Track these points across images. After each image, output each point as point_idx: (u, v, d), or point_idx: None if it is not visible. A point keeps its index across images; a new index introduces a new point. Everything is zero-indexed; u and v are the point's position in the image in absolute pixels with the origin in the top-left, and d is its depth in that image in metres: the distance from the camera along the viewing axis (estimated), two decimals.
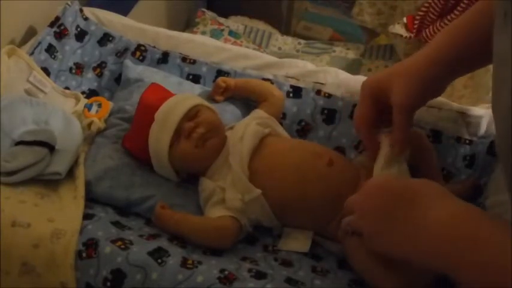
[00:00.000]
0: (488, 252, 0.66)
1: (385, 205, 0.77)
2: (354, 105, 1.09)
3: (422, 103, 0.96)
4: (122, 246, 0.85)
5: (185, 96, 1.02)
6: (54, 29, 1.16)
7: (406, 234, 0.74)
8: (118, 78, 1.17)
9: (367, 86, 0.97)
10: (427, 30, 1.61)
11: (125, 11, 1.49)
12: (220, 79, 1.10)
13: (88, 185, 0.95)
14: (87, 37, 1.20)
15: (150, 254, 0.84)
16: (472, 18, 0.91)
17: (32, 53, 1.11)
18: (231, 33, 1.94)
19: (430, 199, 0.73)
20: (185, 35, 1.26)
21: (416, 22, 1.66)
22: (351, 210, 0.82)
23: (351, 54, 1.91)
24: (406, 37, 1.67)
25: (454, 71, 0.95)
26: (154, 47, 1.19)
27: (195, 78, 1.17)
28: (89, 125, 1.04)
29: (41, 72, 1.10)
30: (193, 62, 1.18)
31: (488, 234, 0.68)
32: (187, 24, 2.05)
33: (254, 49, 1.79)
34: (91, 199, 0.95)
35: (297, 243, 0.94)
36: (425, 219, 0.72)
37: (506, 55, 0.64)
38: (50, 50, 1.14)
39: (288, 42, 1.97)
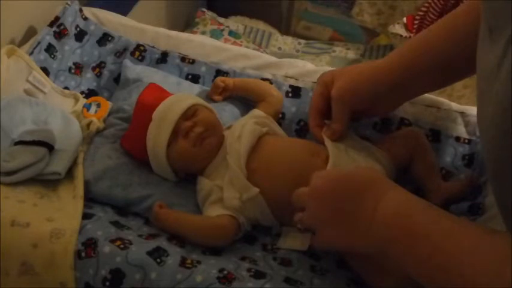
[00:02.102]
0: (426, 244, 0.68)
1: (334, 200, 0.78)
2: None
3: (360, 103, 0.98)
4: (121, 246, 0.85)
5: (183, 95, 1.02)
6: (54, 28, 1.16)
7: (356, 231, 0.75)
8: (117, 78, 1.17)
9: (321, 78, 1.02)
10: None
11: (124, 11, 1.49)
12: (218, 79, 1.10)
13: (87, 184, 0.95)
14: (86, 37, 1.20)
15: (149, 253, 0.84)
16: (437, 40, 0.95)
17: (31, 53, 1.11)
18: (231, 33, 1.95)
19: (379, 191, 0.74)
20: (185, 35, 1.26)
21: (416, 22, 1.67)
22: (300, 204, 0.83)
23: (351, 54, 1.91)
24: (406, 37, 1.68)
25: (403, 88, 0.98)
26: (153, 46, 1.19)
27: (194, 78, 1.17)
28: (88, 124, 1.04)
29: (41, 72, 1.09)
30: (193, 61, 1.18)
31: (425, 227, 0.69)
32: (187, 24, 2.05)
33: (254, 49, 1.79)
34: (90, 199, 0.95)
35: (296, 242, 0.94)
36: (374, 213, 0.73)
37: (490, 70, 0.64)
38: (50, 49, 1.14)
39: (288, 42, 1.97)
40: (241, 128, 0.99)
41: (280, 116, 1.11)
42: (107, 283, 0.83)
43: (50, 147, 0.96)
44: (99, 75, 1.18)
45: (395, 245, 0.71)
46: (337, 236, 0.78)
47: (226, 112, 1.08)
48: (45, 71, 1.12)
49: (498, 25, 0.62)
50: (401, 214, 0.72)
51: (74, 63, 1.18)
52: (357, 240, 0.76)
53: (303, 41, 1.98)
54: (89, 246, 0.84)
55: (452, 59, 0.93)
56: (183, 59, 1.18)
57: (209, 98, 1.10)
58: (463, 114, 1.09)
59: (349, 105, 0.97)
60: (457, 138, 1.06)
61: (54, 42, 1.15)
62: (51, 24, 1.16)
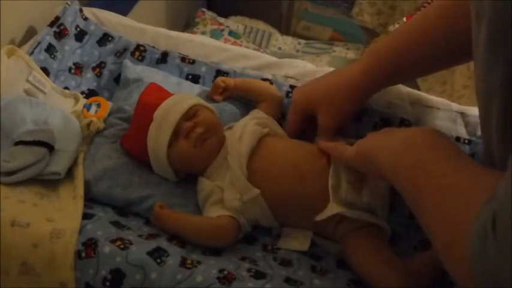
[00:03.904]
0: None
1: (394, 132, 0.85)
2: None
3: (348, 121, 1.05)
4: (121, 246, 0.85)
5: (184, 96, 1.02)
6: (54, 28, 1.16)
7: (384, 138, 0.83)
8: (117, 78, 1.17)
9: (297, 99, 1.04)
10: None
11: (124, 11, 1.49)
12: (219, 79, 1.10)
13: (87, 184, 0.95)
14: (86, 37, 1.20)
15: (149, 253, 0.84)
16: (420, 26, 0.97)
17: (31, 53, 1.11)
18: (231, 33, 1.94)
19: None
20: (185, 35, 1.26)
21: None
22: None
23: (351, 54, 1.91)
24: None
25: (389, 81, 1.04)
26: (153, 47, 1.19)
27: (194, 78, 1.17)
28: (88, 125, 1.04)
29: (41, 72, 1.09)
30: (193, 62, 1.18)
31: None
32: (187, 24, 2.05)
33: (254, 49, 1.79)
34: (90, 199, 0.95)
35: (297, 242, 0.94)
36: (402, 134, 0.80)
37: (479, 56, 0.65)
38: (50, 49, 1.14)
39: (288, 42, 1.97)
40: (242, 129, 0.99)
41: (281, 116, 1.11)
42: (107, 283, 0.83)
43: (50, 147, 0.96)
44: (99, 75, 1.18)
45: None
46: (382, 138, 0.84)
47: (226, 112, 1.08)
48: (45, 71, 1.12)
49: (481, 11, 0.63)
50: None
51: (74, 63, 1.18)
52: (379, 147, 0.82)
53: (303, 41, 1.98)
54: (89, 246, 0.84)
55: (443, 48, 0.95)
56: (183, 59, 1.18)
57: (209, 98, 1.10)
58: (463, 114, 1.09)
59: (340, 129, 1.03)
60: (457, 139, 1.06)
61: (54, 42, 1.15)
62: (51, 24, 1.16)
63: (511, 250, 0.53)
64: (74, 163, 0.98)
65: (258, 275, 0.85)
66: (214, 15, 1.98)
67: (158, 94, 1.02)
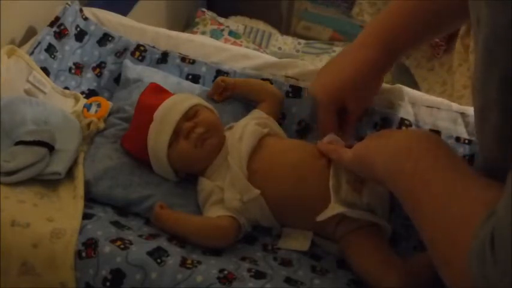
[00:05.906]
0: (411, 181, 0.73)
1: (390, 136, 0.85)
2: None
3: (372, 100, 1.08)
4: (122, 246, 0.85)
5: (184, 96, 1.02)
6: (54, 28, 1.16)
7: (379, 142, 0.84)
8: (117, 78, 1.17)
9: (324, 99, 1.02)
10: None
11: (124, 11, 1.49)
12: (219, 78, 1.10)
13: (87, 184, 0.95)
14: (86, 37, 1.20)
15: (150, 253, 0.84)
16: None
17: (31, 53, 1.11)
18: (231, 33, 1.95)
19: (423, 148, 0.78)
20: (185, 35, 1.27)
21: None
22: None
23: None
24: None
25: (401, 50, 1.06)
26: (153, 47, 1.19)
27: (195, 78, 1.17)
28: (88, 125, 1.04)
29: (41, 72, 1.09)
30: (193, 62, 1.18)
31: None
32: (187, 24, 2.05)
33: (254, 49, 1.79)
34: (90, 199, 0.95)
35: (297, 242, 0.94)
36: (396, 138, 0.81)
37: (478, 66, 0.65)
38: (50, 49, 1.14)
39: (288, 42, 1.97)
40: (242, 129, 0.99)
41: (281, 116, 1.11)
42: (107, 283, 0.83)
43: (50, 148, 0.96)
44: (99, 75, 1.18)
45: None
46: (380, 142, 0.84)
47: (227, 112, 1.08)
48: (46, 71, 1.12)
49: (481, 16, 0.63)
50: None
51: (74, 63, 1.18)
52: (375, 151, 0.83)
53: (303, 41, 1.98)
54: (89, 246, 0.84)
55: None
56: (184, 59, 1.18)
57: (210, 98, 1.10)
58: (463, 114, 1.09)
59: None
60: (457, 139, 1.06)
61: (54, 42, 1.15)
62: (51, 24, 1.16)
63: (510, 268, 0.53)
64: (74, 163, 0.98)
65: (258, 275, 0.85)
66: (214, 15, 1.99)
67: (158, 94, 1.02)
